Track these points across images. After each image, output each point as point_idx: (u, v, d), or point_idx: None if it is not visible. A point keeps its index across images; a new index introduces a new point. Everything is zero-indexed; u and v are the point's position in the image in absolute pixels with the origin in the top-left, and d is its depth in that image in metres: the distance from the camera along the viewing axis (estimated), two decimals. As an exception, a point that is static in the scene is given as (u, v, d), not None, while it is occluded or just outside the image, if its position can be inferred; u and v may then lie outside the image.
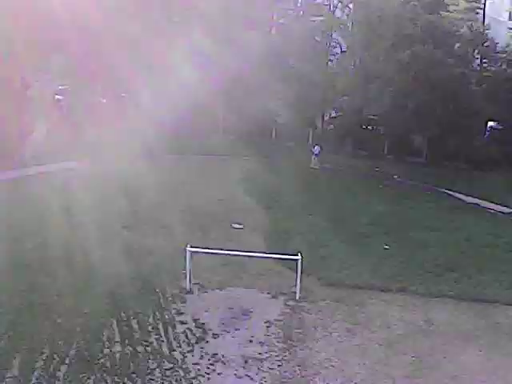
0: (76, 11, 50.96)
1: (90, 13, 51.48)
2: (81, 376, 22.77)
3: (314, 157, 55.94)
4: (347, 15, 63.72)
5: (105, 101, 62.57)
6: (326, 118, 66.85)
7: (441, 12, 57.39)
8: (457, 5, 58.24)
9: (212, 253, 30.83)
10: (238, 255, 31.02)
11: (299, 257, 29.52)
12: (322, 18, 64.48)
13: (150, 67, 55.48)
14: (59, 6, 50.93)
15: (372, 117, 61.40)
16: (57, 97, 62.43)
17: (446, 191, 50.67)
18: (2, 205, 38.02)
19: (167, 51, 55.03)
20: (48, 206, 37.62)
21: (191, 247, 29.76)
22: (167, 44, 54.89)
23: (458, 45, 56.57)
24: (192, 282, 30.18)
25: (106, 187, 41.70)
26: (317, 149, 55.99)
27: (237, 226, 38.49)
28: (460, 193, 49.99)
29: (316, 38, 65.94)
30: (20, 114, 50.28)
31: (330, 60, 66.10)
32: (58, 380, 22.46)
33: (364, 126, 62.99)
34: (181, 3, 60.61)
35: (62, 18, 50.88)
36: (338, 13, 64.98)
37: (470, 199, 48.72)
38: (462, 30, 57.10)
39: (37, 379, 22.41)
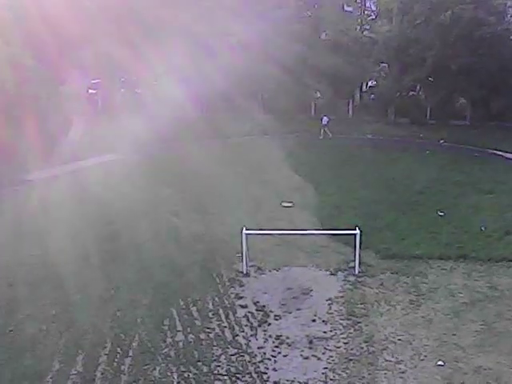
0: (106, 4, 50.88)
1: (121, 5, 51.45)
2: (145, 368, 22.46)
3: (322, 127, 54.91)
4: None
5: (140, 91, 62.51)
6: (364, 89, 65.80)
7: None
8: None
9: (268, 234, 30.31)
10: (294, 234, 30.40)
11: (357, 231, 28.82)
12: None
13: (188, 51, 55.08)
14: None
15: (412, 83, 60.20)
16: (90, 91, 62.49)
17: (495, 152, 49.46)
18: (43, 203, 37.99)
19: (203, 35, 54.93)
20: (91, 201, 38.01)
21: (246, 229, 29.24)
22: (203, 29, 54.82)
23: (497, 1, 54.71)
24: (248, 265, 29.70)
25: (148, 176, 42.09)
26: (325, 119, 55.06)
27: (286, 204, 37.88)
28: (510, 152, 48.68)
29: (348, 8, 64.86)
30: (56, 112, 50.24)
31: (365, 29, 64.93)
32: (123, 374, 22.14)
33: (404, 93, 61.68)
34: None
35: (92, 12, 50.89)
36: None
37: (520, 158, 47.54)
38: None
39: (102, 374, 22.15)
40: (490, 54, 53.19)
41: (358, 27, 63.82)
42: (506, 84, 54.49)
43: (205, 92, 54.32)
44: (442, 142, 52.96)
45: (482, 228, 34.18)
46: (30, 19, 48.09)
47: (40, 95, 47.40)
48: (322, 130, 54.93)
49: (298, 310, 26.41)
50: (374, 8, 64.80)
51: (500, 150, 49.53)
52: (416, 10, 56.01)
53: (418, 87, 61.77)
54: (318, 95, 63.10)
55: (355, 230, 29.03)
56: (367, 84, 66.54)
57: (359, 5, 64.89)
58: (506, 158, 48.19)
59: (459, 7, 52.82)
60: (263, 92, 61.29)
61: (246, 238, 29.14)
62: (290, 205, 37.78)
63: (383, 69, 62.33)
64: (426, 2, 55.25)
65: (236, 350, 23.55)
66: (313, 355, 23.27)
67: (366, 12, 64.76)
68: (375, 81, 64.93)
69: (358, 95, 65.18)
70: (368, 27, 65.49)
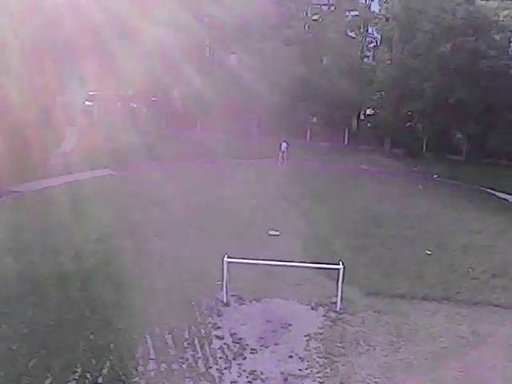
0: (105, 17, 50.63)
1: (119, 19, 51.20)
2: (114, 396, 21.96)
3: (281, 154, 54.25)
4: (386, 8, 61.92)
5: (135, 106, 62.29)
6: (361, 117, 65.60)
7: (479, 0, 55.52)
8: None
9: (250, 263, 29.79)
10: (277, 265, 29.91)
11: (341, 266, 28.33)
12: (356, 13, 63.12)
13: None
14: (87, 14, 50.71)
15: (410, 113, 60.08)
16: (86, 103, 62.21)
17: (489, 190, 49.18)
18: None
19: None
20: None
21: (228, 257, 28.74)
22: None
23: (499, 36, 54.57)
24: (229, 294, 29.18)
25: (135, 194, 41.94)
26: (284, 145, 54.31)
27: (273, 232, 37.45)
28: (503, 192, 48.43)
29: (350, 33, 64.72)
30: (50, 122, 49.85)
31: (366, 56, 64.85)
32: (91, 401, 21.68)
33: (401, 124, 61.47)
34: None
35: (89, 24, 50.67)
36: (373, 6, 63.56)
37: (514, 199, 47.23)
38: (501, 19, 55.02)
39: (69, 400, 21.65)
40: (489, 88, 52.98)
41: (359, 53, 63.53)
42: (503, 120, 54.32)
43: (201, 110, 54.09)
44: (435, 176, 52.67)
45: (428, 252, 34.86)
46: (28, 27, 47.67)
47: (34, 105, 46.85)
48: (281, 156, 54.33)
49: (276, 344, 25.86)
50: (376, 35, 64.55)
51: (493, 189, 49.24)
52: (417, 39, 55.85)
53: (415, 118, 61.46)
54: (315, 120, 62.81)
55: (339, 264, 28.54)
56: (365, 112, 66.23)
57: (361, 31, 64.74)
58: (499, 197, 47.87)
59: (460, 39, 52.67)
60: (259, 114, 60.79)
61: (228, 267, 28.61)
62: (276, 234, 37.29)
63: (381, 97, 62.04)
64: (427, 32, 55.06)
65: (208, 383, 23.00)
66: (286, 394, 22.76)
67: (367, 39, 64.47)
68: (373, 109, 64.64)
69: (356, 123, 64.88)
70: (369, 54, 65.35)
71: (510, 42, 57.35)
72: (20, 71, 46.95)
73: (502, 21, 54.48)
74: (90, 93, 62.77)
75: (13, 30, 46.43)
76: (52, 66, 49.83)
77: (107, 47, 53.17)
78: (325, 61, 64.65)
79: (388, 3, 61.48)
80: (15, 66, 46.72)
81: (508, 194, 48.28)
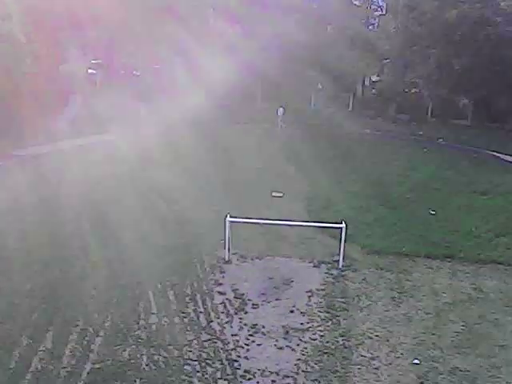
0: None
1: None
2: (115, 348, 22.06)
3: (278, 118, 54.41)
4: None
5: (138, 73, 62.02)
6: (366, 83, 65.15)
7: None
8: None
9: (252, 222, 29.78)
10: (279, 224, 29.89)
11: (343, 225, 28.29)
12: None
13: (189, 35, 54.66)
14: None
15: (415, 80, 59.62)
16: (90, 71, 61.95)
17: (494, 153, 48.89)
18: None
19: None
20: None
21: (231, 217, 28.72)
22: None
23: (505, 2, 53.85)
24: (231, 252, 29.22)
25: (137, 158, 42.07)
26: (281, 110, 54.46)
27: (276, 194, 37.39)
28: (508, 155, 48.14)
29: (355, 1, 64.20)
30: (53, 89, 49.72)
31: (371, 24, 64.31)
32: (92, 352, 21.76)
33: (407, 90, 61.04)
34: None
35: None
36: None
37: (519, 161, 47.01)
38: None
39: (70, 352, 21.74)
40: (494, 55, 52.42)
41: (364, 21, 62.99)
42: (508, 86, 53.74)
43: (204, 78, 53.77)
44: (440, 140, 52.35)
45: (432, 212, 34.95)
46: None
47: (36, 71, 46.76)
48: (279, 121, 54.43)
49: (277, 300, 25.95)
50: (381, 3, 63.91)
51: (499, 152, 48.92)
52: (422, 7, 55.27)
53: (420, 85, 60.97)
54: (320, 87, 62.37)
55: (341, 223, 28.50)
56: (370, 79, 65.77)
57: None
58: (504, 160, 47.58)
59: (466, 6, 52.07)
60: (263, 80, 60.37)
61: (230, 226, 28.61)
62: (280, 195, 37.23)
63: (386, 64, 61.57)
64: (433, -1, 54.61)
65: (209, 336, 23.14)
66: (287, 346, 22.85)
67: (372, 6, 63.88)
68: (378, 76, 64.19)
69: (361, 89, 64.45)
70: (374, 22, 64.80)
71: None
72: (22, 39, 46.88)
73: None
74: (93, 61, 62.43)
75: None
76: (54, 34, 49.58)
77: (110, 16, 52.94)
78: (329, 29, 64.07)
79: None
80: (17, 33, 46.61)
81: (512, 156, 48.10)
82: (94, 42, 58.35)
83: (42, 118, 45.07)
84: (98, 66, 62.38)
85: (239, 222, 29.20)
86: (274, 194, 37.36)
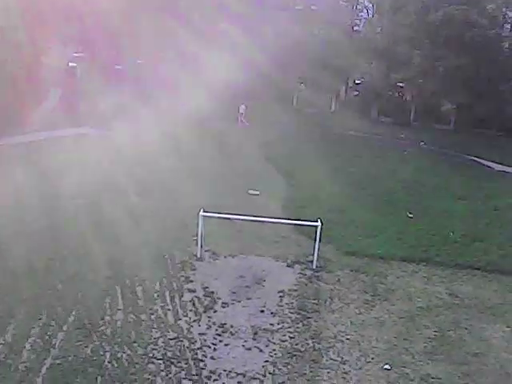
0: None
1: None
2: (78, 344, 21.38)
3: (239, 116, 54.26)
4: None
5: (120, 67, 61.22)
6: (350, 85, 64.83)
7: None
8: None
9: (226, 218, 29.18)
10: (253, 220, 29.29)
11: (319, 223, 27.74)
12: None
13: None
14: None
15: (399, 83, 59.37)
16: (71, 64, 61.07)
17: (475, 159, 48.68)
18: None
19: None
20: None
21: (204, 212, 28.09)
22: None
23: (490, 5, 53.60)
24: (203, 249, 28.59)
25: (112, 152, 41.10)
26: (242, 107, 54.32)
27: (253, 192, 36.82)
28: (489, 160, 47.94)
29: (342, 1, 63.88)
30: (33, 81, 48.86)
31: (356, 25, 64.02)
32: (54, 348, 21.07)
33: (390, 92, 60.72)
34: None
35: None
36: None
37: (499, 167, 46.80)
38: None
39: (31, 346, 21.05)
40: (479, 58, 52.21)
41: (350, 22, 62.63)
42: (492, 90, 53.57)
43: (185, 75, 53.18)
44: (422, 143, 52.00)
45: (410, 215, 34.84)
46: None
47: (16, 63, 45.80)
48: (239, 119, 54.15)
49: (248, 299, 25.38)
50: (367, 3, 63.60)
51: (480, 158, 48.69)
52: (407, 8, 54.98)
53: (403, 88, 60.72)
54: (303, 87, 61.99)
55: (317, 222, 27.96)
56: (354, 80, 65.42)
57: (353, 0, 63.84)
58: (485, 165, 47.35)
59: (451, 7, 51.78)
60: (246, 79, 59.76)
61: (203, 222, 27.99)
62: (256, 193, 36.65)
63: (370, 66, 61.22)
64: (418, 0, 54.24)
65: (175, 335, 22.52)
66: (255, 347, 22.28)
67: (358, 7, 63.56)
68: (362, 77, 63.86)
69: (344, 91, 64.10)
70: (360, 23, 64.51)
71: (500, 13, 56.59)
72: (3, 30, 45.94)
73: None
74: (75, 54, 61.56)
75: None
76: (36, 26, 48.72)
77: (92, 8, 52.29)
78: (315, 28, 63.60)
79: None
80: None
81: (494, 162, 47.70)
82: (77, 34, 57.57)
83: (20, 110, 44.23)
84: (80, 60, 61.52)
85: (212, 216, 28.57)
86: (250, 191, 36.74)
